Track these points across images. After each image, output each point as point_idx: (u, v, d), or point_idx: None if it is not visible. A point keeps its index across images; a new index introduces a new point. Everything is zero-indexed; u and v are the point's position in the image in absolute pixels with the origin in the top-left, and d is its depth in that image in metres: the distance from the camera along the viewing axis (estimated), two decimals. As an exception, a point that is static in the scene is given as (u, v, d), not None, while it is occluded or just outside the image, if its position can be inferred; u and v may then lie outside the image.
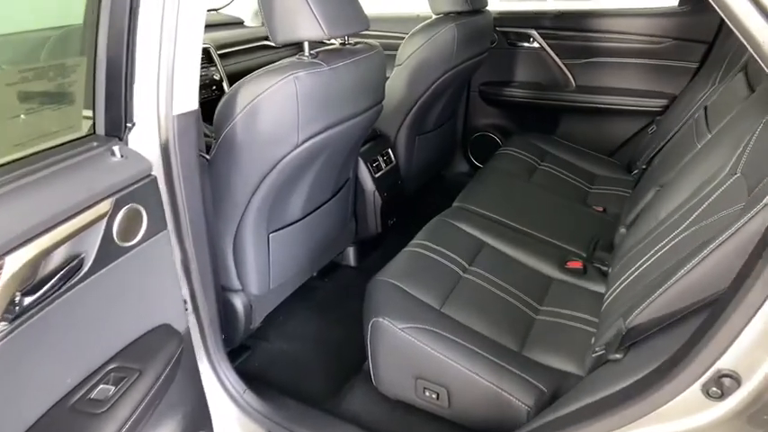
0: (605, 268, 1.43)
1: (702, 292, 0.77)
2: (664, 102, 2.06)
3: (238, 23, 2.63)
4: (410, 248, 1.39)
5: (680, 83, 2.03)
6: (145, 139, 0.94)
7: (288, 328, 1.66)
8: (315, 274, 1.81)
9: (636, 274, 1.07)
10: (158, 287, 0.93)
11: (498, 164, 1.95)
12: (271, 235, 1.36)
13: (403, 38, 1.85)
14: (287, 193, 1.34)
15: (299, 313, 1.72)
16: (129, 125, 0.92)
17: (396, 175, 1.93)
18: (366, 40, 1.43)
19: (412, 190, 2.13)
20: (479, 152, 2.55)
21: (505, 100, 2.37)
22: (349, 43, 1.35)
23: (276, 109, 1.12)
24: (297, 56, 1.20)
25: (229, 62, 2.28)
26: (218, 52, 2.19)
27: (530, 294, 1.31)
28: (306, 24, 1.12)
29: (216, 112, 1.17)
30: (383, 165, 1.86)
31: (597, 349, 0.93)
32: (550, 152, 2.10)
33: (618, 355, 0.86)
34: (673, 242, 0.99)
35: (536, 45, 2.27)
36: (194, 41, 0.96)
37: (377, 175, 1.81)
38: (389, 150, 1.91)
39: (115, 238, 0.80)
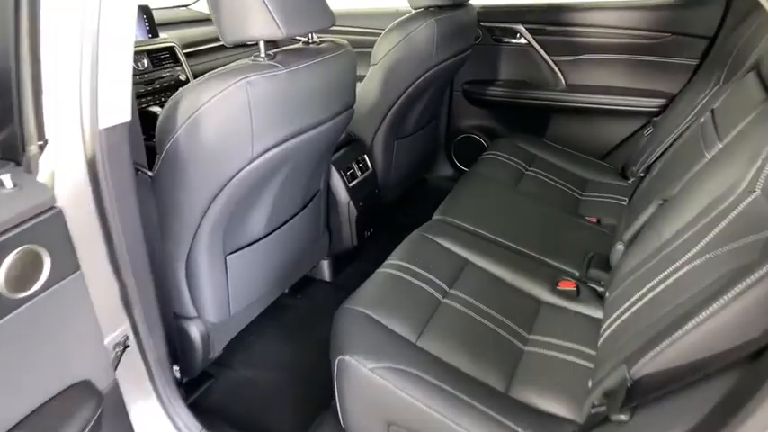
0: (601, 289, 1.30)
1: (727, 343, 0.63)
2: (661, 102, 1.93)
3: (208, 20, 2.47)
4: (384, 270, 1.24)
5: (678, 81, 1.90)
6: (64, 159, 0.78)
7: (255, 353, 1.51)
8: (286, 291, 1.66)
9: (638, 305, 0.93)
10: (71, 340, 0.77)
11: (482, 170, 1.81)
12: (228, 257, 1.21)
13: (381, 34, 1.70)
14: (245, 210, 1.18)
15: (267, 335, 1.57)
16: (39, 144, 0.76)
17: (372, 184, 1.78)
18: (335, 39, 1.27)
19: (391, 198, 1.98)
20: (464, 155, 2.41)
21: (491, 100, 2.23)
22: (314, 42, 1.19)
23: (224, 120, 0.97)
24: (251, 57, 1.04)
25: (197, 61, 2.13)
26: (185, 51, 2.04)
27: (517, 321, 1.17)
28: (259, 22, 0.97)
29: (157, 123, 1.02)
30: (358, 172, 1.71)
31: (596, 403, 0.79)
32: (538, 156, 1.96)
33: (623, 417, 0.72)
34: (682, 271, 0.86)
35: (523, 41, 2.12)
36: (124, 41, 0.80)
37: (351, 185, 1.66)
38: (365, 156, 1.76)
39: (3, 288, 0.64)
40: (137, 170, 1.02)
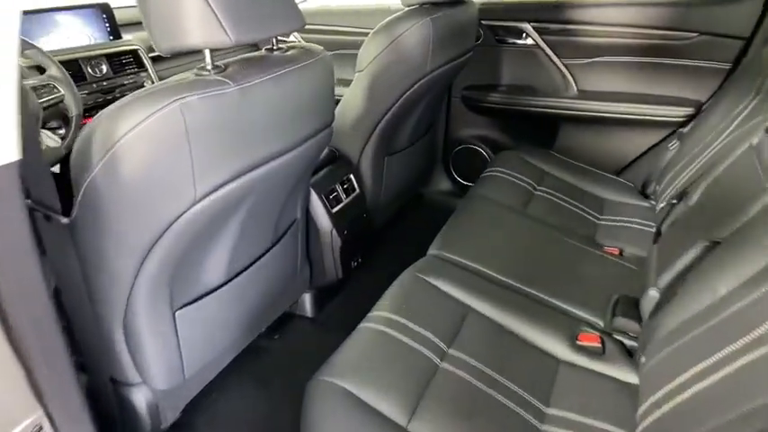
0: (630, 343, 1.08)
1: None
2: (687, 111, 1.71)
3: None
4: (368, 325, 1.02)
5: (707, 88, 1.68)
6: None
7: (222, 410, 1.29)
8: (263, 330, 1.44)
9: (696, 389, 0.72)
10: None
11: (485, 190, 1.59)
12: (178, 313, 0.98)
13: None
14: (196, 258, 0.96)
15: (237, 387, 1.35)
16: None
17: (360, 207, 1.56)
18: (308, 45, 1.05)
19: (382, 220, 1.76)
20: (463, 167, 2.18)
21: (493, 107, 2.00)
22: (279, 48, 0.97)
23: (154, 154, 0.74)
24: (195, 70, 0.82)
25: (165, 66, 1.90)
26: (151, 55, 1.82)
27: (531, 388, 0.96)
28: (200, 25, 0.75)
29: (71, 157, 0.80)
30: (343, 195, 1.49)
31: None
32: (548, 172, 1.74)
33: None
34: (760, 352, 0.64)
35: (529, 42, 1.90)
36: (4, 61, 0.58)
37: (335, 210, 1.44)
38: (351, 176, 1.54)
39: None
40: (47, 216, 0.80)
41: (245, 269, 1.11)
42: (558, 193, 1.63)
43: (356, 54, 1.44)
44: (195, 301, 1.00)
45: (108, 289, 0.88)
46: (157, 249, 0.84)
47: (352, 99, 1.49)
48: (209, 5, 0.74)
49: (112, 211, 0.78)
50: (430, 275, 1.17)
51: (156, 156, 0.74)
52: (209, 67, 0.81)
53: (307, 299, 1.54)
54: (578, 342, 1.06)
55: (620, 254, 1.39)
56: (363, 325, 1.02)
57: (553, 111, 1.91)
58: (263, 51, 0.97)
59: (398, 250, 1.88)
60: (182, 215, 0.81)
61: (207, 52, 0.80)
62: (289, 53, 0.97)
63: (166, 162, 0.75)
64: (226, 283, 1.06)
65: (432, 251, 1.29)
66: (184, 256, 0.90)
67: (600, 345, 1.05)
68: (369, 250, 1.70)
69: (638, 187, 1.76)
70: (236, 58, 0.90)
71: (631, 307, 1.15)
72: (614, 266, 1.32)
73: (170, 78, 0.80)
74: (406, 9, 1.46)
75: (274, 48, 0.96)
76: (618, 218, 1.56)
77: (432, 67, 1.46)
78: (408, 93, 1.46)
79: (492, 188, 1.60)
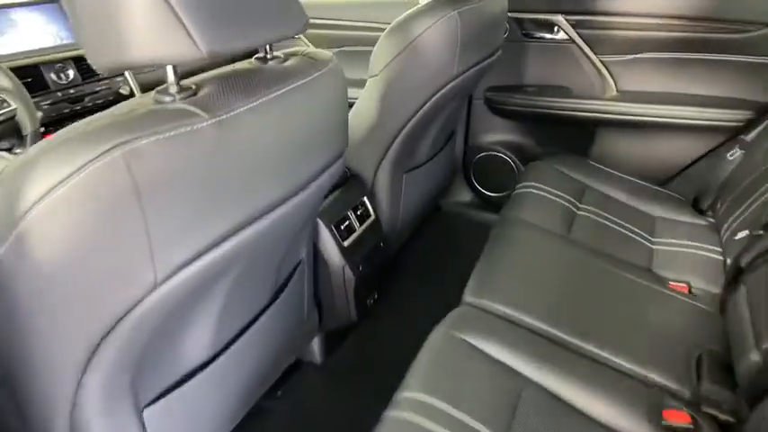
0: (725, 418, 0.86)
1: None
2: (746, 114, 1.48)
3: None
4: (396, 414, 0.80)
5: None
6: None
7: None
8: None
9: None
10: None
11: (519, 210, 1.36)
12: (146, 412, 0.74)
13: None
14: (169, 339, 0.73)
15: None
16: None
17: (376, 235, 1.33)
18: (314, 51, 0.82)
19: (399, 245, 1.54)
20: (485, 176, 1.96)
21: (520, 110, 1.77)
22: (275, 57, 0.74)
23: (86, 226, 0.51)
24: (155, 93, 0.59)
25: (148, 69, 1.67)
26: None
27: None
28: (155, 30, 0.52)
29: None
30: (356, 223, 1.26)
31: None
32: (589, 185, 1.52)
33: None
34: None
35: (562, 36, 1.67)
36: None
37: (347, 243, 1.21)
38: (365, 200, 1.31)
39: None
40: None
41: (237, 337, 0.89)
42: (604, 212, 1.41)
43: (364, 51, 1.21)
44: (170, 391, 0.77)
45: (39, 399, 0.65)
46: (110, 341, 0.61)
47: (364, 109, 1.26)
48: (170, 4, 0.51)
49: (35, 305, 0.55)
50: (468, 333, 0.95)
51: (90, 230, 0.50)
52: (172, 90, 0.58)
53: (315, 343, 1.32)
54: (664, 421, 0.84)
55: (689, 290, 1.17)
56: (390, 414, 0.80)
57: (588, 114, 1.68)
58: (252, 62, 0.73)
59: (418, 275, 1.66)
60: (137, 304, 0.58)
61: (169, 70, 0.57)
62: (288, 63, 0.74)
63: (107, 237, 0.51)
64: (212, 361, 0.83)
65: (467, 298, 1.06)
66: (151, 342, 0.68)
67: (692, 425, 0.84)
68: (386, 280, 1.48)
69: (689, 200, 1.54)
70: (214, 72, 0.66)
71: (720, 368, 0.93)
72: (685, 309, 1.10)
73: (116, 107, 0.56)
74: (428, 1, 1.23)
75: (268, 56, 0.73)
76: (674, 240, 1.34)
77: (459, 71, 1.22)
78: (431, 101, 1.23)
79: (528, 208, 1.37)
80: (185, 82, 0.61)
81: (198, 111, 0.55)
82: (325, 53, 0.81)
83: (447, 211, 2.00)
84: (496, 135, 1.89)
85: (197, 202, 0.56)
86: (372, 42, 1.21)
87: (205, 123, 0.55)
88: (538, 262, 1.18)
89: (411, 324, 1.44)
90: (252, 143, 0.61)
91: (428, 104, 1.23)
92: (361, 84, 1.27)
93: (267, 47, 0.73)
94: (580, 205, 1.42)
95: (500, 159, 1.90)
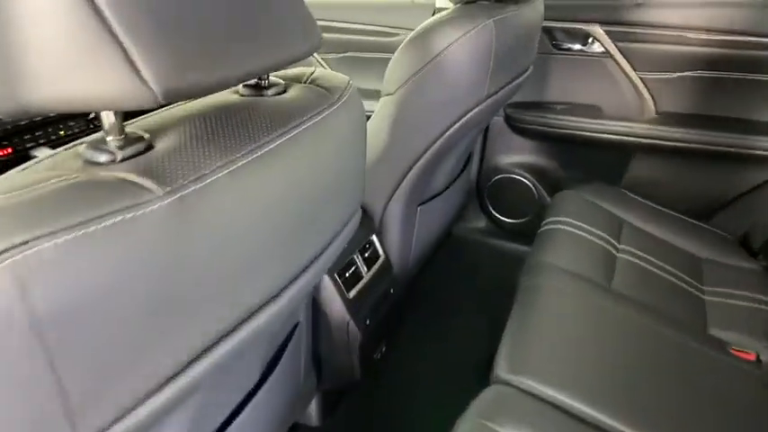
0: None
1: None
2: (809, 144, 1.31)
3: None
4: None
5: None
6: None
7: None
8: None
9: None
10: None
11: (551, 255, 1.17)
12: None
13: (407, 35, 1.05)
14: None
15: None
16: None
17: (386, 280, 1.14)
18: (324, 74, 0.62)
19: (407, 283, 1.35)
20: (501, 200, 1.77)
21: (545, 130, 1.59)
22: (274, 83, 0.55)
23: None
24: (84, 148, 0.39)
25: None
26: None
27: None
28: (85, 60, 0.32)
29: None
30: (363, 269, 1.07)
31: None
32: (626, 220, 1.34)
33: None
34: None
35: (597, 48, 1.48)
36: None
37: (352, 293, 1.02)
38: (374, 239, 1.12)
39: None
40: None
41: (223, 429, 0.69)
42: (646, 253, 1.23)
43: (371, 58, 1.02)
44: None
45: None
46: None
47: (375, 133, 1.07)
48: (102, 16, 0.31)
49: None
50: (504, 422, 0.76)
51: None
52: (111, 146, 0.38)
53: (312, 404, 1.13)
54: None
55: (758, 360, 0.99)
56: None
57: (623, 138, 1.50)
58: (240, 91, 0.54)
59: (429, 317, 1.47)
60: None
61: (105, 117, 0.38)
62: (291, 94, 0.54)
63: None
64: None
65: (499, 372, 0.87)
66: None
67: None
68: (394, 327, 1.29)
69: (736, 239, 1.37)
70: (180, 110, 0.47)
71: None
72: (756, 385, 0.92)
73: (16, 176, 0.36)
74: (456, 6, 1.03)
75: (263, 83, 0.54)
76: (727, 290, 1.16)
77: (490, 91, 1.03)
78: (454, 128, 1.04)
79: (561, 250, 1.19)
80: (135, 127, 0.42)
81: (147, 182, 0.36)
82: (340, 77, 0.62)
83: (458, 237, 1.81)
84: (516, 156, 1.70)
85: (140, 327, 0.36)
86: (381, 48, 1.02)
87: (159, 204, 0.36)
88: (579, 324, 1.00)
89: (420, 380, 1.26)
90: (231, 224, 0.42)
91: (451, 131, 1.04)
92: (365, 94, 1.08)
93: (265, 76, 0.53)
94: (619, 246, 1.24)
95: (519, 183, 1.71)
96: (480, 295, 1.58)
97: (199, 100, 0.49)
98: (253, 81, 0.53)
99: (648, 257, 1.22)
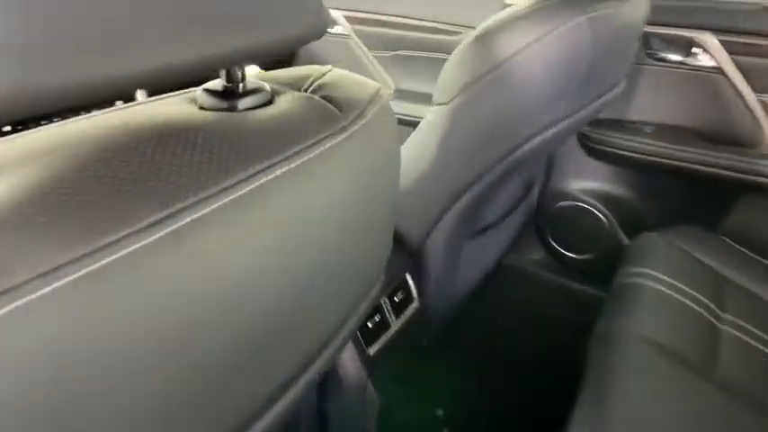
0: None
1: None
2: None
3: None
4: None
5: None
6: None
7: None
8: None
9: None
10: None
11: (632, 320, 0.92)
12: None
13: (466, 36, 0.84)
14: None
15: None
16: None
17: (418, 330, 0.93)
18: (343, 77, 0.42)
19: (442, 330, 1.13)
20: (564, 231, 1.52)
21: (627, 155, 1.33)
22: (250, 91, 0.35)
23: None
24: None
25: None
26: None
27: None
28: None
29: None
30: (391, 317, 0.86)
31: None
32: (729, 279, 1.07)
33: None
34: None
35: (705, 61, 1.21)
36: None
37: (374, 349, 0.82)
38: (407, 278, 0.91)
39: None
40: None
41: None
42: (755, 328, 0.96)
43: (424, 58, 0.81)
44: None
45: None
46: None
47: (423, 149, 0.85)
48: None
49: None
50: None
51: None
52: None
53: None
54: None
55: None
56: None
57: (729, 173, 1.22)
58: (199, 99, 0.34)
59: (463, 361, 1.25)
60: None
61: None
62: (276, 109, 0.34)
63: None
64: None
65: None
66: None
67: None
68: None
69: None
70: (78, 126, 0.28)
71: None
72: None
73: None
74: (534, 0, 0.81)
75: (239, 89, 0.34)
76: None
77: (576, 107, 0.80)
78: (520, 152, 0.81)
79: (645, 313, 0.94)
80: None
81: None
82: (366, 84, 0.41)
83: (510, 268, 1.57)
84: (588, 182, 1.44)
85: None
86: (435, 48, 0.82)
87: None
88: (670, 420, 0.75)
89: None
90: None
91: (515, 155, 0.82)
92: (415, 98, 0.88)
93: (239, 72, 0.34)
94: (722, 314, 0.97)
95: (589, 213, 1.46)
96: (532, 340, 1.34)
97: (116, 113, 0.30)
98: (218, 85, 0.34)
99: (755, 332, 0.96)
